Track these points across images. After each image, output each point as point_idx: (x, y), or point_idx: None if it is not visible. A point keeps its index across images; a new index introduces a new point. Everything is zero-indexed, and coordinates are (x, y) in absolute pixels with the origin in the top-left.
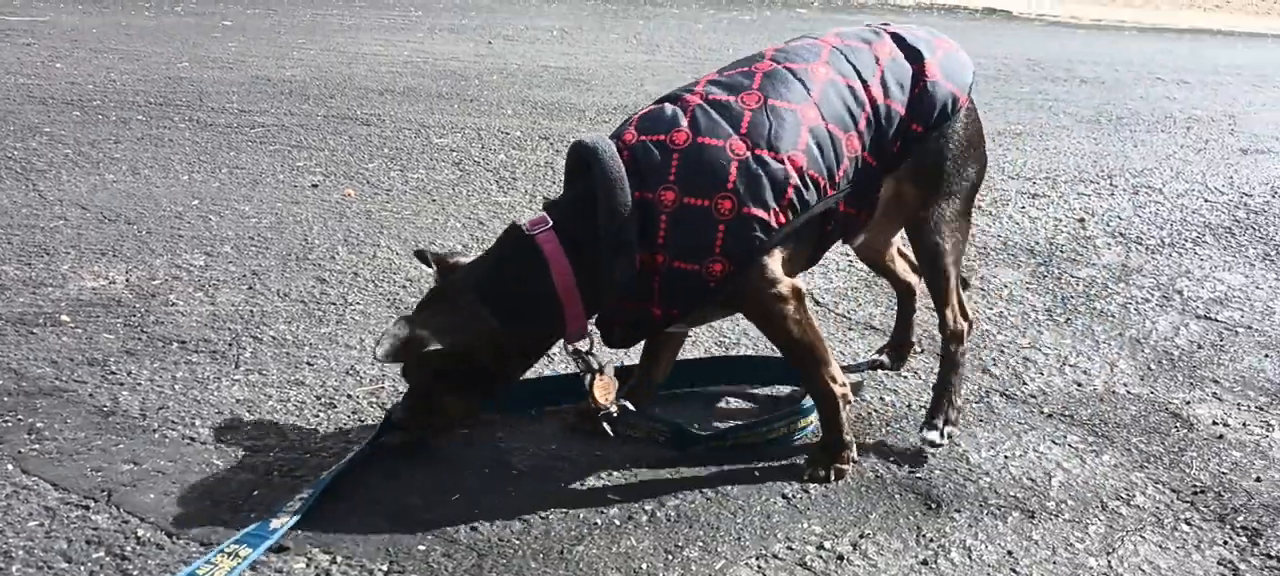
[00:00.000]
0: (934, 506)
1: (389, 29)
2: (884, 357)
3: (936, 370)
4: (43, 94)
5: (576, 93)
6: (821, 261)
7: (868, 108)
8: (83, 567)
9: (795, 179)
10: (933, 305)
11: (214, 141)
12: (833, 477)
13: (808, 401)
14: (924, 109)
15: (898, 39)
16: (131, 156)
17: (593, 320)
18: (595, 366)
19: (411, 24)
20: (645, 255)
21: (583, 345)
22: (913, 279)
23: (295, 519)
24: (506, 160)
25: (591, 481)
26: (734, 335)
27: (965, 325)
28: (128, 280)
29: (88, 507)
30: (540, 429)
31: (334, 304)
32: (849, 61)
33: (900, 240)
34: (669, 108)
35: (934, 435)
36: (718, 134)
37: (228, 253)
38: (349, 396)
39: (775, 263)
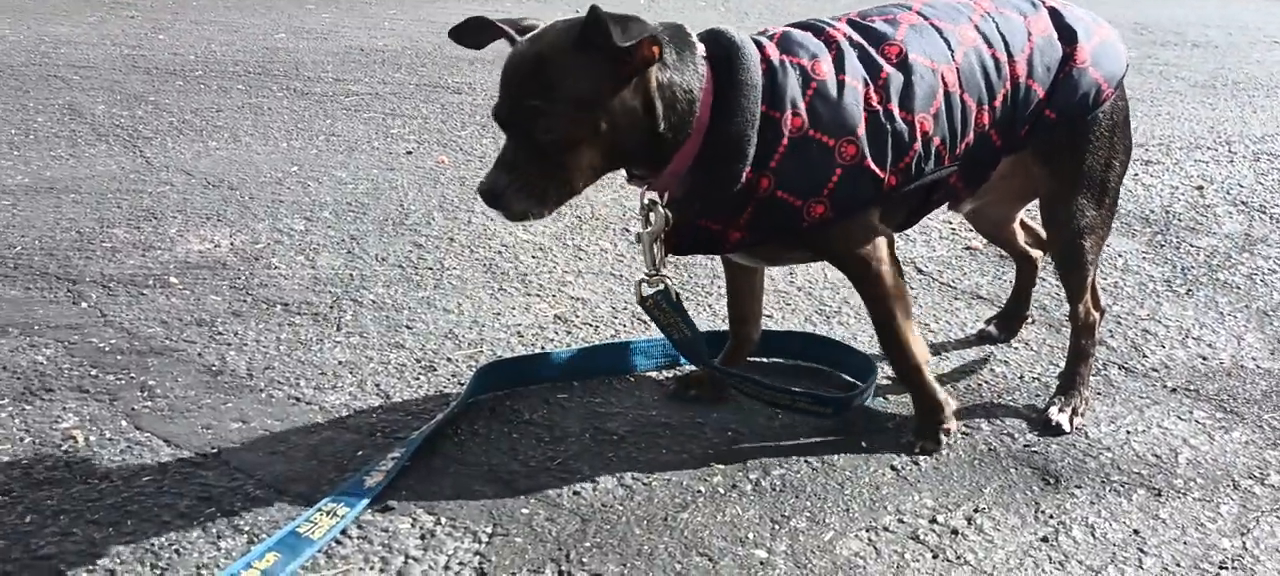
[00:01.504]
0: (1052, 481)
1: None
2: (992, 328)
3: (1048, 342)
4: (147, 64)
5: None
6: (923, 229)
7: (1007, 84)
8: (195, 522)
9: (919, 144)
10: (1062, 288)
11: (310, 110)
12: (941, 441)
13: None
14: (1064, 96)
15: (1055, 15)
16: (232, 124)
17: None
18: (663, 223)
19: None
20: (752, 174)
21: (655, 195)
22: (1036, 253)
23: (391, 476)
24: None
25: (693, 448)
26: (834, 304)
27: (1097, 315)
28: (232, 244)
29: (199, 464)
30: (639, 394)
31: (431, 269)
32: (999, 30)
33: (1026, 213)
34: (811, 37)
35: (1063, 419)
36: (854, 77)
37: (327, 218)
38: (448, 359)
39: (875, 217)
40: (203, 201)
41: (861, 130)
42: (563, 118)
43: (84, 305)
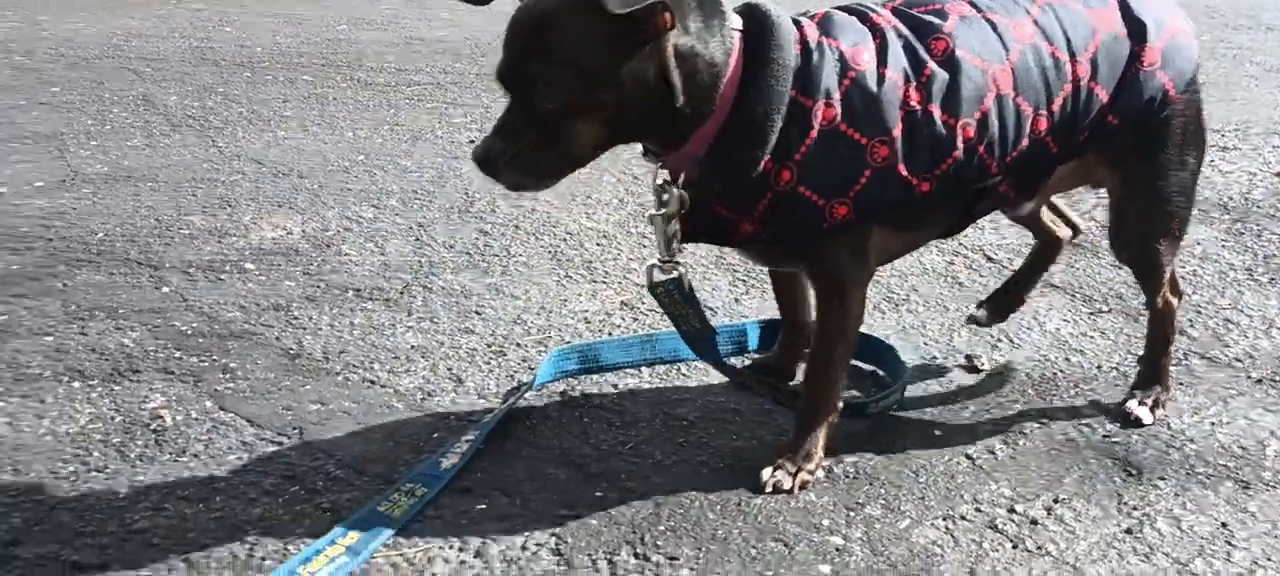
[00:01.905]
0: (1134, 472)
1: None
2: (981, 312)
3: (1125, 331)
4: (215, 56)
5: None
6: (992, 215)
7: (1068, 86)
8: (280, 500)
9: (959, 151)
10: (1137, 284)
11: (374, 100)
12: (795, 484)
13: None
14: (1128, 100)
15: (1124, 8)
16: (299, 114)
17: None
18: (678, 207)
19: None
20: (773, 164)
21: (667, 176)
22: (1062, 233)
23: (466, 459)
24: None
25: (763, 434)
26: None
27: (1176, 301)
28: (304, 231)
29: (281, 443)
30: (708, 380)
31: (497, 255)
32: (1061, 25)
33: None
34: (856, 21)
35: (1143, 411)
36: (896, 71)
37: (394, 205)
38: (517, 344)
39: (882, 236)
40: (274, 190)
41: (898, 130)
42: (564, 85)
43: (165, 290)
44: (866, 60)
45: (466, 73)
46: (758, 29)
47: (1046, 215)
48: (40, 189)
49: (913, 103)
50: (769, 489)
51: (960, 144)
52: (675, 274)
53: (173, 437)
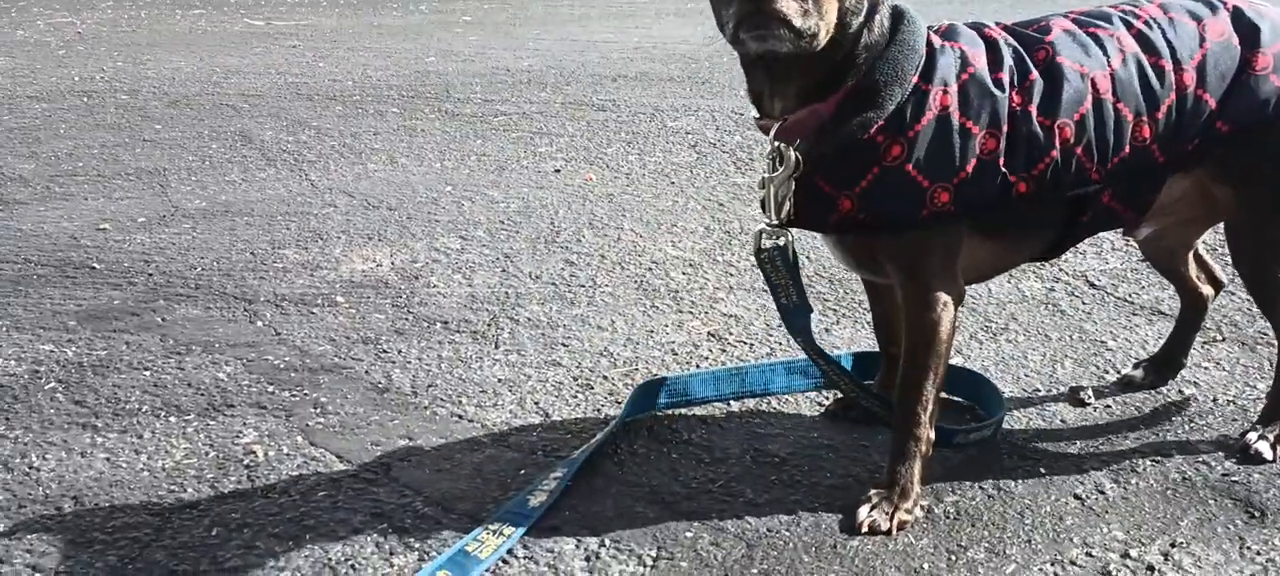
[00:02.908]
0: (1257, 515)
1: (617, 16)
2: (1139, 373)
3: (1242, 361)
4: (309, 91)
5: None
6: (1095, 240)
7: (1173, 94)
8: (369, 538)
9: (1057, 151)
10: (1259, 310)
11: (461, 130)
12: (893, 527)
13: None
14: (1238, 106)
15: (1237, 15)
16: (389, 146)
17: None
18: (791, 167)
19: (638, 10)
20: (885, 138)
21: (791, 143)
22: (1206, 291)
23: (554, 497)
24: (743, 141)
25: (857, 471)
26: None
27: None
28: (392, 263)
29: (370, 480)
30: (799, 415)
31: (583, 286)
32: (1166, 37)
33: (1203, 245)
34: (970, 31)
35: (1264, 447)
36: (1003, 73)
37: (481, 236)
38: (604, 377)
39: (966, 243)
40: (364, 222)
41: (1005, 128)
42: None
43: (259, 323)
44: (982, 62)
45: (552, 102)
46: (897, 18)
47: (1192, 270)
48: (142, 224)
49: (1015, 104)
50: (865, 530)
51: (1058, 145)
52: (783, 240)
53: (264, 473)
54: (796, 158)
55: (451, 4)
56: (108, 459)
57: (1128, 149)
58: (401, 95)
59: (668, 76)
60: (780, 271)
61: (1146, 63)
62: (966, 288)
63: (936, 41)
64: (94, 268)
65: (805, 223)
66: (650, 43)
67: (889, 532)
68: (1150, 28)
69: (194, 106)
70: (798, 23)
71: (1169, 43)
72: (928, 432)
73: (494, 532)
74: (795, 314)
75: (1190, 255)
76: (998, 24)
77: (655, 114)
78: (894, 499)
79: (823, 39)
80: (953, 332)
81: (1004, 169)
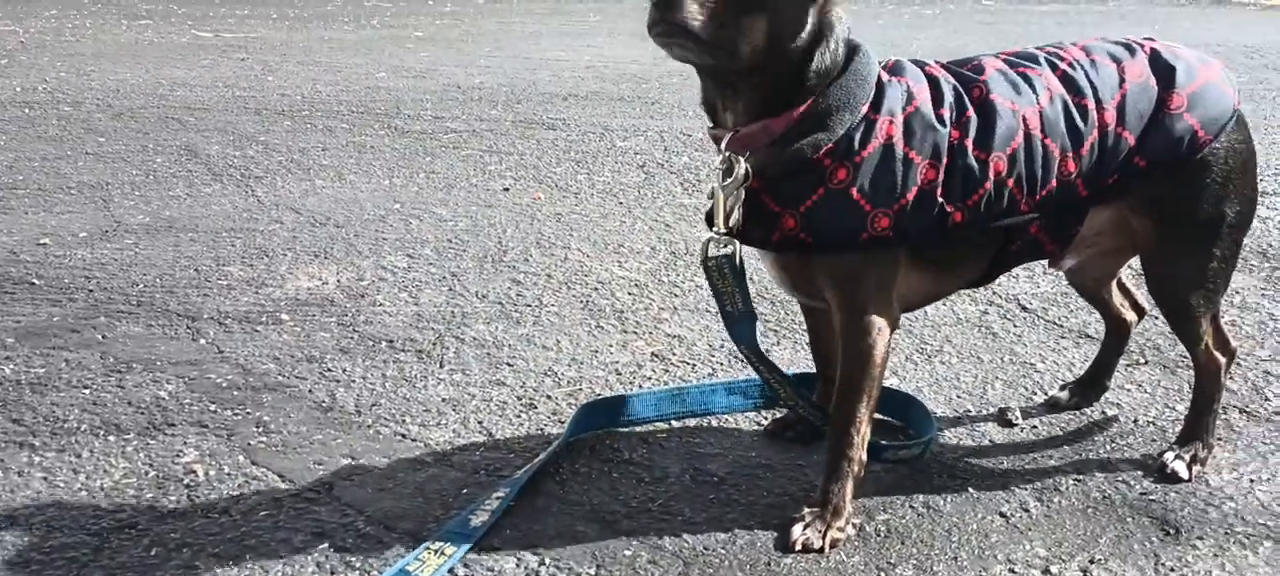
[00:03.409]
0: (1172, 532)
1: (569, 35)
2: (1064, 394)
3: (1163, 383)
4: (257, 105)
5: None
6: (1028, 266)
7: (1096, 132)
8: (310, 558)
9: (991, 183)
10: (1176, 338)
11: (411, 148)
12: (827, 547)
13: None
14: (1153, 143)
15: (1154, 58)
16: (337, 163)
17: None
18: (741, 177)
19: (590, 29)
20: (831, 161)
21: (736, 156)
22: (1129, 317)
23: (495, 516)
24: (690, 162)
25: (793, 490)
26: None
27: (1223, 360)
28: (339, 281)
29: (312, 499)
30: (737, 435)
31: (530, 305)
32: (1089, 79)
33: (1125, 272)
34: (914, 66)
35: (1180, 466)
36: (947, 109)
37: (428, 255)
38: (548, 397)
39: (906, 278)
40: (310, 239)
41: (946, 160)
42: None
43: (202, 341)
44: (926, 96)
45: (502, 120)
46: (852, 51)
47: (1116, 298)
48: (83, 239)
49: (953, 138)
50: (799, 548)
51: (991, 177)
52: (730, 249)
53: (205, 493)
54: (747, 168)
55: (404, 19)
56: (45, 478)
57: (1054, 182)
58: (351, 111)
59: (618, 96)
60: (727, 279)
61: (1071, 102)
62: (901, 314)
63: (885, 76)
64: (33, 283)
65: (748, 238)
66: (602, 62)
67: (821, 550)
68: (1074, 69)
69: (139, 119)
70: (703, 36)
71: (1092, 83)
72: (860, 454)
73: (435, 552)
74: (739, 322)
75: (1113, 284)
76: (938, 63)
77: (604, 133)
78: (826, 517)
79: (745, 56)
80: (886, 357)
81: (941, 199)
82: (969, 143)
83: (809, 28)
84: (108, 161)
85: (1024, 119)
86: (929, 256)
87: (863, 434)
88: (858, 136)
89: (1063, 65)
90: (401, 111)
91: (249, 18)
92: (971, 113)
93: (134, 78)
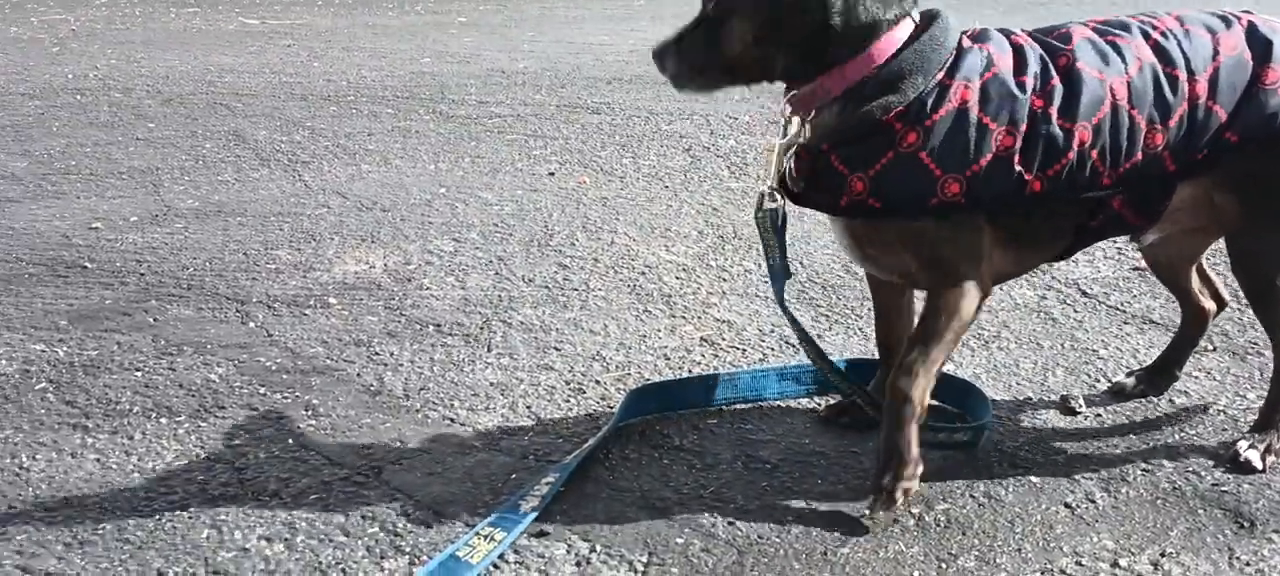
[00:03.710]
0: (1246, 525)
1: (613, 19)
2: (1130, 381)
3: (1232, 371)
4: (304, 91)
5: None
6: (1088, 250)
7: (1185, 104)
8: (360, 542)
9: (1074, 153)
10: (1259, 323)
11: (456, 132)
12: (897, 500)
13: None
14: (1247, 117)
15: (1251, 31)
16: (383, 148)
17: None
18: (794, 134)
19: (634, 13)
20: (902, 125)
21: (796, 123)
22: (1209, 306)
23: (545, 503)
24: (737, 145)
25: (848, 478)
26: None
27: None
28: (385, 265)
29: (361, 483)
30: (790, 421)
31: (577, 289)
32: (1182, 49)
33: (1207, 259)
34: (999, 36)
35: (1254, 456)
36: (1027, 77)
37: (475, 239)
38: (597, 382)
39: (992, 239)
40: (357, 223)
41: (1024, 127)
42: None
43: (251, 325)
44: (1006, 63)
45: (546, 104)
46: (930, 19)
47: (1196, 284)
48: (134, 224)
49: (1035, 106)
50: (877, 510)
51: (1075, 148)
52: (775, 205)
53: (254, 475)
54: (800, 127)
55: (447, 5)
56: (98, 460)
57: (1140, 155)
58: (396, 96)
59: (662, 80)
60: (769, 233)
61: (1161, 72)
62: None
63: (966, 43)
64: (86, 267)
65: (817, 203)
66: (645, 46)
67: (895, 503)
68: (1166, 38)
69: (188, 105)
70: (696, 86)
71: (1184, 54)
72: (923, 403)
73: (485, 537)
74: (777, 275)
75: (1193, 269)
76: (1024, 31)
77: (650, 117)
78: (894, 468)
79: (743, 63)
80: (969, 320)
81: (1019, 167)
82: (1053, 111)
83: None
84: (157, 147)
85: (1111, 88)
86: (1008, 229)
87: (926, 384)
88: (931, 100)
89: (1155, 34)
90: (446, 96)
91: (294, 5)
92: (1057, 81)
93: (183, 64)
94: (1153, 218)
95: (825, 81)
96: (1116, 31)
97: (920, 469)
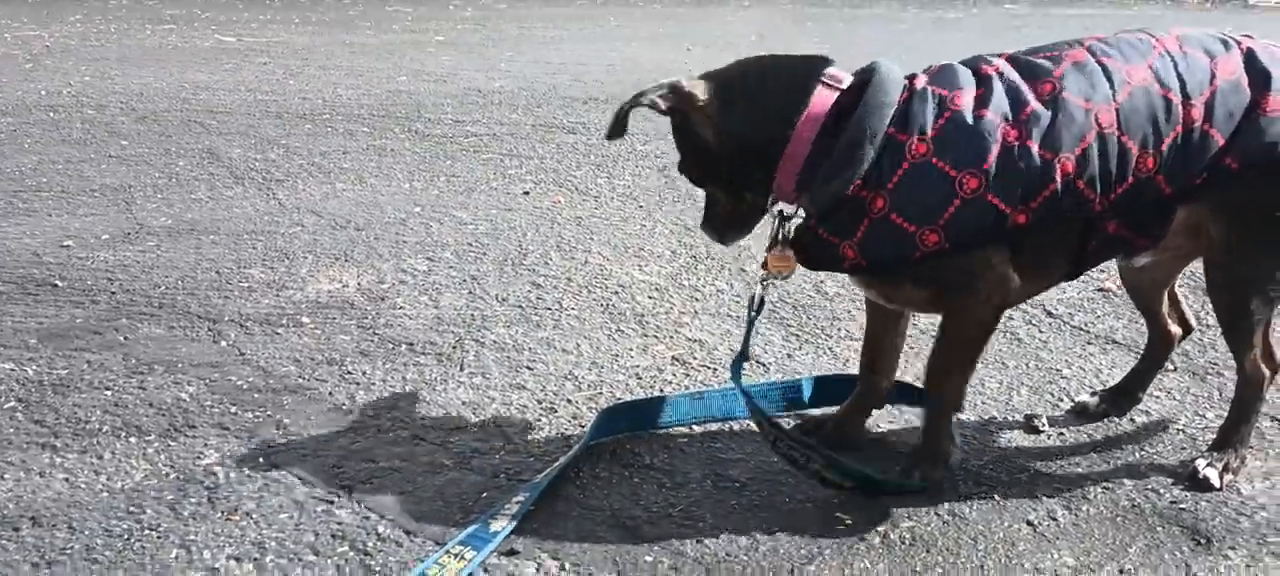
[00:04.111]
0: (1203, 542)
1: (589, 39)
2: (1093, 400)
3: (1192, 391)
4: (279, 109)
5: None
6: None
7: (1179, 128)
8: (329, 561)
9: (1058, 183)
10: (1227, 347)
11: (431, 151)
12: (941, 476)
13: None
14: (1246, 145)
15: (1249, 57)
16: (358, 166)
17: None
18: (781, 235)
19: (610, 33)
20: (868, 192)
21: (786, 208)
22: (1175, 331)
23: (515, 521)
24: None
25: (816, 496)
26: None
27: (1269, 371)
28: (359, 284)
29: (332, 502)
30: (759, 440)
31: (549, 309)
32: (1177, 71)
33: (1178, 282)
34: (964, 69)
35: (1212, 474)
36: (995, 112)
37: (448, 258)
38: (568, 401)
39: (1000, 258)
40: (331, 242)
41: (989, 164)
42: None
43: (223, 343)
44: (964, 102)
45: (522, 124)
46: (863, 80)
47: (1166, 308)
48: (106, 242)
49: (1010, 139)
50: (915, 487)
51: (1058, 177)
52: (757, 291)
53: (225, 495)
54: (787, 233)
55: (424, 24)
56: (67, 479)
57: (1131, 179)
58: (372, 114)
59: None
60: (749, 314)
61: (1156, 94)
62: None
63: (919, 85)
64: (56, 285)
65: (826, 267)
66: (621, 66)
67: (925, 491)
68: (1163, 60)
69: (161, 122)
70: (737, 234)
71: (1180, 76)
72: (960, 400)
73: (455, 556)
74: (736, 358)
75: (1166, 294)
76: (1005, 55)
77: (625, 137)
78: (928, 452)
79: (740, 229)
80: (988, 326)
81: (995, 202)
82: (1032, 143)
83: (710, 137)
84: (131, 164)
85: (1097, 117)
86: (1017, 257)
87: (960, 383)
88: (887, 161)
89: (1152, 55)
90: (422, 115)
91: (271, 22)
92: (1035, 109)
93: (157, 82)
94: (1156, 238)
95: (779, 179)
96: (1111, 52)
97: (957, 456)
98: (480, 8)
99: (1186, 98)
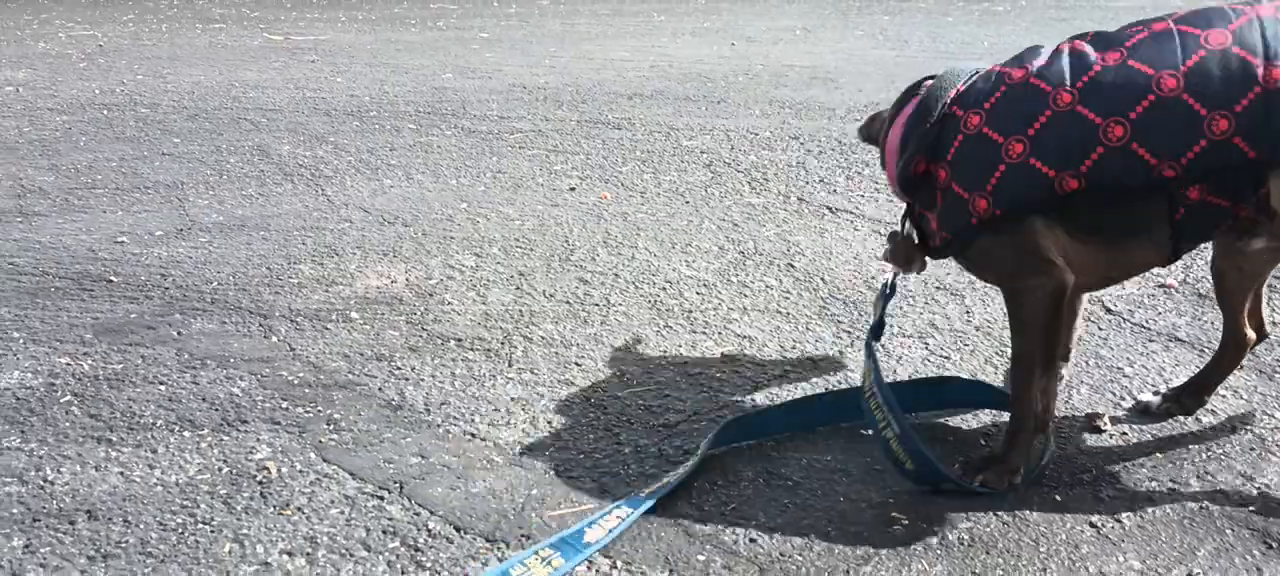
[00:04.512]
0: (1274, 545)
1: (634, 34)
2: (1155, 399)
3: (1260, 390)
4: (327, 106)
5: (824, 91)
6: None
7: (1258, 87)
8: (381, 557)
9: (1104, 146)
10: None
11: (477, 147)
12: (1004, 486)
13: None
14: None
15: None
16: (405, 162)
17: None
18: (900, 231)
19: (655, 29)
20: (936, 166)
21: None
22: (1250, 335)
23: (613, 536)
24: (757, 161)
25: (871, 495)
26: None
27: None
28: (407, 279)
29: (382, 498)
30: (811, 437)
31: (597, 305)
32: (1263, 35)
33: (1269, 290)
34: (1043, 48)
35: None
36: (1051, 80)
37: (496, 254)
38: (617, 397)
39: (1050, 235)
40: (379, 238)
41: (1034, 129)
42: None
43: (274, 339)
44: (1021, 74)
45: (568, 120)
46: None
47: (1248, 306)
48: (159, 238)
49: (1062, 104)
50: (972, 489)
51: (1108, 140)
52: (887, 278)
53: (277, 490)
54: (903, 231)
55: (469, 21)
56: (122, 473)
57: (1204, 143)
58: (418, 111)
59: (683, 95)
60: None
61: (1233, 56)
62: (1088, 292)
63: (991, 68)
64: (111, 281)
65: (928, 243)
66: (666, 61)
67: (998, 490)
68: (1250, 25)
69: (213, 120)
70: (922, 264)
71: (1265, 39)
72: (1030, 414)
73: (543, 560)
74: (870, 332)
75: (1253, 292)
76: (1089, 34)
77: (670, 133)
78: (1001, 464)
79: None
80: (1045, 318)
81: (1039, 165)
82: (1083, 108)
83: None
84: (183, 161)
85: (1159, 81)
86: (1087, 227)
87: (1028, 394)
88: (947, 136)
89: (1241, 21)
90: (468, 111)
91: (318, 21)
92: (1094, 76)
93: (208, 80)
94: (1247, 202)
95: (887, 174)
96: (1196, 21)
97: (1020, 475)
98: (524, 4)
99: (1269, 59)
